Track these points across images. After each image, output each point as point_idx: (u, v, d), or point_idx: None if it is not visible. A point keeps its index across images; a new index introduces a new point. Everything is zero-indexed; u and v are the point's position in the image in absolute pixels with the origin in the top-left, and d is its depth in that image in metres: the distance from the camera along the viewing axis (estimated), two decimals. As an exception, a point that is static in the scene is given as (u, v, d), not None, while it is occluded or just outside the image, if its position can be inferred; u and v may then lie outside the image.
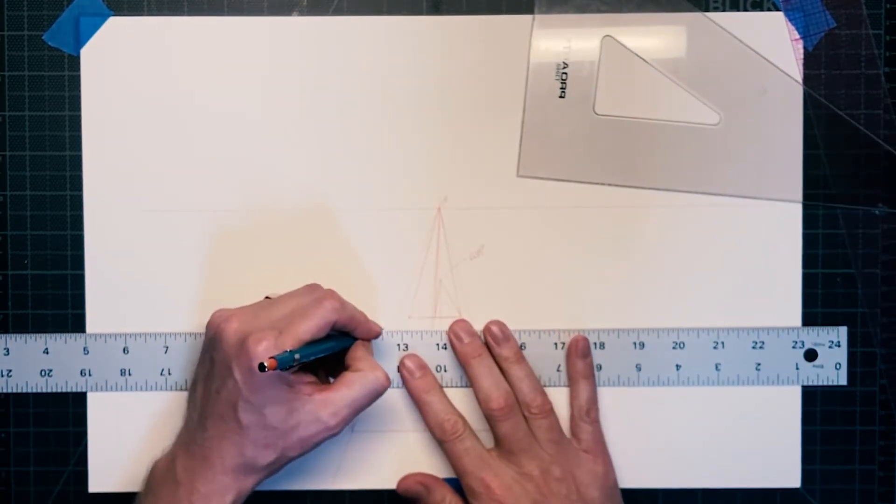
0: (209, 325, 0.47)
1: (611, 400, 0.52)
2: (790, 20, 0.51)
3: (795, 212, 0.52)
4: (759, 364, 0.51)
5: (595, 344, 0.51)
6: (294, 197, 0.51)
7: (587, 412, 0.51)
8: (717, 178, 0.51)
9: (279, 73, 0.51)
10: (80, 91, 0.51)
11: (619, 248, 0.52)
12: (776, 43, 0.51)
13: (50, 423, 0.52)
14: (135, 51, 0.51)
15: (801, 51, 0.51)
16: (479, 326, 0.52)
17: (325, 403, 0.45)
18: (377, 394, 0.47)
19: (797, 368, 0.52)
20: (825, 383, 0.52)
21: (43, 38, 0.51)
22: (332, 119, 0.51)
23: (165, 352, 0.51)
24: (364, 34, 0.51)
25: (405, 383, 0.51)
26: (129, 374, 0.51)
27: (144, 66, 0.51)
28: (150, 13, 0.51)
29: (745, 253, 0.52)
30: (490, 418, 0.50)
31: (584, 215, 0.51)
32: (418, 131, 0.52)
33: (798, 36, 0.51)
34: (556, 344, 0.52)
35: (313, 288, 0.48)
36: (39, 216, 0.52)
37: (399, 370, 0.51)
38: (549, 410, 0.50)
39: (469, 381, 0.51)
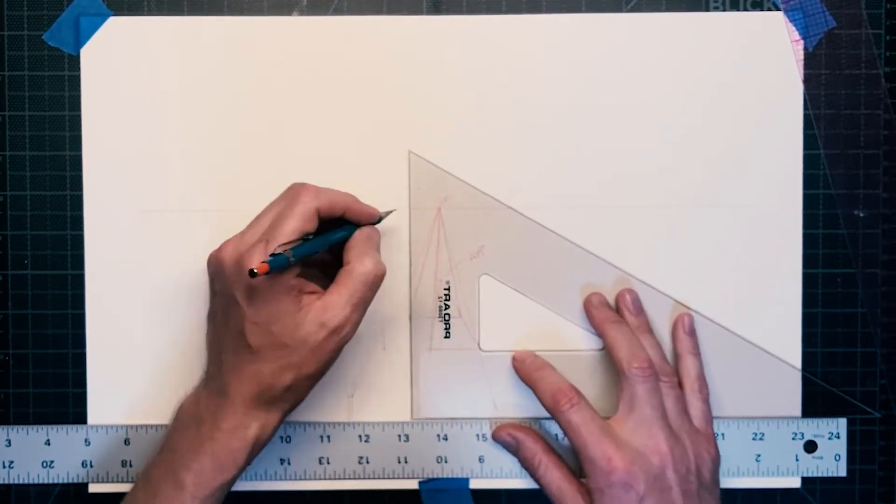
0: (209, 260, 0.47)
1: (615, 398, 0.52)
2: (790, 20, 0.51)
3: (795, 212, 0.52)
4: (758, 455, 0.52)
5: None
6: (294, 197, 0.51)
7: (699, 389, 0.50)
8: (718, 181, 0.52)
9: (279, 73, 0.51)
10: (80, 91, 0.51)
11: (618, 247, 0.52)
12: (776, 43, 0.51)
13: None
14: (135, 51, 0.51)
15: (801, 51, 0.51)
16: (478, 324, 0.52)
17: (324, 308, 0.44)
18: (372, 284, 0.45)
19: (797, 460, 0.52)
20: (825, 474, 0.52)
21: (43, 38, 0.51)
22: (332, 119, 0.51)
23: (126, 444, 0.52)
24: (364, 34, 0.51)
25: (517, 372, 0.51)
26: (130, 466, 0.52)
27: (144, 66, 0.51)
28: (150, 13, 0.51)
29: (745, 253, 0.52)
30: (629, 379, 0.48)
31: (584, 215, 0.51)
32: (418, 131, 0.52)
33: (798, 36, 0.51)
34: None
35: (289, 188, 0.47)
36: (39, 216, 0.52)
37: (512, 362, 0.51)
38: (676, 381, 0.49)
39: (606, 346, 0.50)
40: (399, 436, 0.51)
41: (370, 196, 0.51)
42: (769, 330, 0.52)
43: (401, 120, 0.51)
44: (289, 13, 0.51)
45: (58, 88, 0.51)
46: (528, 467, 0.50)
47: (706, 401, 0.50)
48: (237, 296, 0.44)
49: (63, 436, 0.52)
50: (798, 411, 0.52)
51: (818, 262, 0.52)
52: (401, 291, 0.52)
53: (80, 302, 0.52)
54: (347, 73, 0.51)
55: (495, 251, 0.52)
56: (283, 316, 0.44)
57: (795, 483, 0.52)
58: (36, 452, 0.52)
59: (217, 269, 0.46)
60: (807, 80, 0.51)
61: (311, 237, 0.45)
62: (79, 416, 0.52)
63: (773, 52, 0.51)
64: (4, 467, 0.52)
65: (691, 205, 0.52)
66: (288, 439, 0.51)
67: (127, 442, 0.51)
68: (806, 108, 0.52)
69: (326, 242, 0.46)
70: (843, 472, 0.52)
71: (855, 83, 0.51)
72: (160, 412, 0.51)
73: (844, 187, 0.52)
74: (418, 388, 0.52)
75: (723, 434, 0.51)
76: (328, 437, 0.51)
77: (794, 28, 0.51)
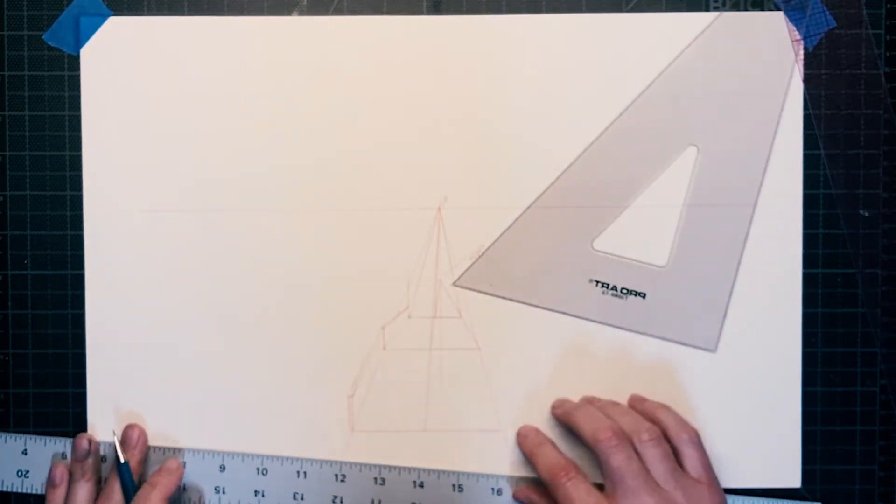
0: None
1: (614, 398, 0.52)
2: (791, 20, 0.51)
3: (795, 212, 0.52)
4: None
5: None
6: (293, 197, 0.51)
7: (685, 432, 0.48)
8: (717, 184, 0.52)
9: (279, 73, 0.51)
10: (80, 91, 0.51)
11: (618, 247, 0.52)
12: (776, 43, 0.51)
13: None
14: (135, 51, 0.51)
15: (802, 51, 0.51)
16: (477, 324, 0.52)
17: None
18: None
19: None
20: None
21: (43, 38, 0.51)
22: (331, 119, 0.51)
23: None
24: (364, 34, 0.51)
25: (519, 446, 0.51)
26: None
27: (144, 66, 0.51)
28: (150, 13, 0.51)
29: (745, 253, 0.52)
30: (600, 454, 0.46)
31: (583, 215, 0.51)
32: (418, 131, 0.52)
33: (798, 36, 0.51)
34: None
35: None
36: (39, 216, 0.52)
37: (517, 437, 0.51)
38: (660, 437, 0.47)
39: (574, 430, 0.49)
40: (414, 482, 0.51)
41: (370, 195, 0.51)
42: (769, 330, 0.52)
43: (401, 119, 0.51)
44: (289, 13, 0.51)
45: (58, 88, 0.51)
46: None
47: (696, 444, 0.48)
48: None
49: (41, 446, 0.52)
50: (798, 477, 0.52)
51: (818, 262, 0.52)
52: (401, 291, 0.51)
53: (80, 302, 0.52)
54: (347, 73, 0.51)
55: (495, 251, 0.52)
56: None
57: (796, 483, 0.52)
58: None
59: None
60: (807, 80, 0.51)
61: None
62: (79, 417, 0.52)
63: (773, 52, 0.51)
64: (20, 476, 0.51)
65: (691, 204, 0.52)
66: (304, 475, 0.51)
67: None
68: (806, 108, 0.52)
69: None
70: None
71: (855, 83, 0.51)
72: (160, 412, 0.51)
73: (844, 187, 0.52)
74: (427, 396, 0.52)
75: None
76: (343, 476, 0.51)
77: (794, 28, 0.51)
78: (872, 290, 0.52)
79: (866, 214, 0.51)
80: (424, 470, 0.51)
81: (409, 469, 0.51)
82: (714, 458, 0.51)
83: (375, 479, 0.51)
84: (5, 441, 0.51)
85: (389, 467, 0.51)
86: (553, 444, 0.50)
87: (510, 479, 0.51)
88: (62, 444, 0.51)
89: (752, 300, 0.52)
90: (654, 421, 0.48)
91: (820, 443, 0.52)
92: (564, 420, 0.50)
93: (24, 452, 0.51)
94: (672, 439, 0.48)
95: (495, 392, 0.52)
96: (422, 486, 0.51)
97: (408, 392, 0.52)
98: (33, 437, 0.51)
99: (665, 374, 0.52)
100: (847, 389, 0.52)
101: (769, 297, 0.52)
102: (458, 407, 0.52)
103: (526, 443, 0.51)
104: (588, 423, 0.48)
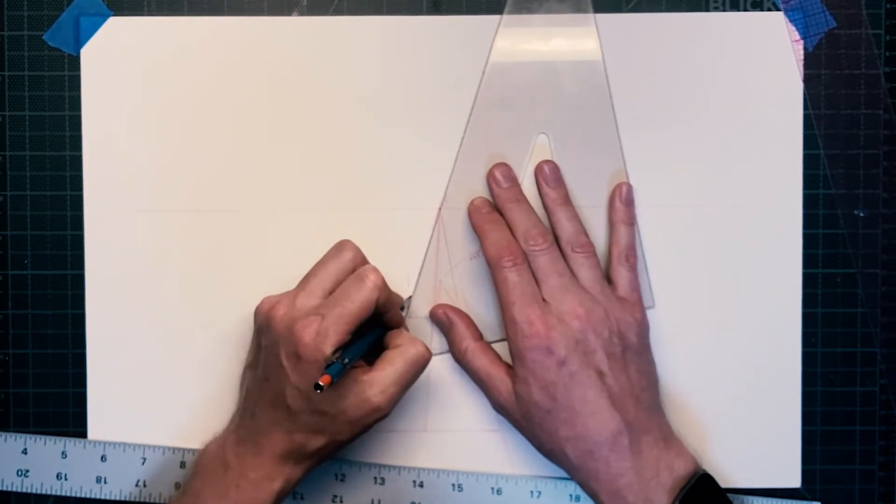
0: (257, 312, 0.48)
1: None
2: (790, 20, 0.51)
3: (795, 212, 0.52)
4: None
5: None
6: (293, 197, 0.51)
7: (626, 257, 0.50)
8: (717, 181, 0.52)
9: (279, 74, 0.51)
10: (80, 91, 0.51)
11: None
12: (776, 43, 0.51)
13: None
14: (135, 51, 0.51)
15: (801, 51, 0.51)
16: (477, 323, 0.52)
17: (371, 384, 0.45)
18: (420, 366, 0.47)
19: None
20: None
21: (43, 38, 0.51)
22: (331, 119, 0.51)
23: (143, 463, 0.51)
24: (364, 34, 0.51)
25: (469, 217, 0.50)
26: (144, 486, 0.51)
27: (144, 66, 0.51)
28: (150, 13, 0.51)
29: (746, 253, 0.52)
30: (529, 254, 0.48)
31: (584, 214, 0.51)
32: (418, 131, 0.51)
33: (798, 36, 0.51)
34: None
35: (350, 256, 0.48)
36: (39, 216, 0.52)
37: (487, 178, 0.51)
38: (592, 252, 0.49)
39: (508, 227, 0.49)
40: (414, 482, 0.51)
41: (370, 195, 0.51)
42: (769, 330, 0.52)
43: (401, 119, 0.51)
44: (289, 13, 0.51)
45: (58, 88, 0.51)
46: (455, 351, 0.50)
47: (633, 269, 0.49)
48: (283, 358, 0.45)
49: (80, 449, 0.51)
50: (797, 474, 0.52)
51: (818, 262, 0.52)
52: (401, 291, 0.51)
53: (80, 302, 0.52)
54: (347, 72, 0.51)
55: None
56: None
57: (796, 483, 0.52)
58: (52, 464, 0.51)
59: (266, 326, 0.46)
60: (807, 80, 0.51)
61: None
62: (79, 417, 0.52)
63: (773, 52, 0.51)
64: (20, 475, 0.51)
65: (691, 204, 0.52)
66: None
67: (144, 461, 0.51)
68: (806, 108, 0.52)
69: (373, 342, 0.47)
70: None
71: (855, 83, 0.51)
72: (160, 412, 0.51)
73: (844, 187, 0.52)
74: (427, 396, 0.52)
75: None
76: (343, 476, 0.51)
77: (794, 28, 0.51)
78: (872, 290, 0.52)
79: (862, 215, 0.51)
80: (424, 469, 0.51)
81: (409, 469, 0.51)
82: (714, 457, 0.51)
83: (375, 478, 0.51)
84: (5, 441, 0.51)
85: (389, 467, 0.51)
86: (505, 225, 0.49)
87: (510, 478, 0.51)
88: (62, 444, 0.51)
89: (753, 300, 0.52)
90: (613, 232, 0.50)
91: (820, 443, 0.52)
92: (499, 205, 0.50)
93: (24, 452, 0.51)
94: (613, 257, 0.50)
95: (495, 392, 0.52)
96: (421, 485, 0.51)
97: (408, 392, 0.52)
98: (33, 436, 0.51)
99: (665, 373, 0.52)
100: (847, 389, 0.52)
101: (769, 297, 0.52)
102: (458, 407, 0.52)
103: (477, 216, 0.50)
104: (521, 225, 0.49)
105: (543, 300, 0.47)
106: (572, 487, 0.51)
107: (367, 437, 0.50)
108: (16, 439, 0.51)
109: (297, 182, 0.51)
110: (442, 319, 0.51)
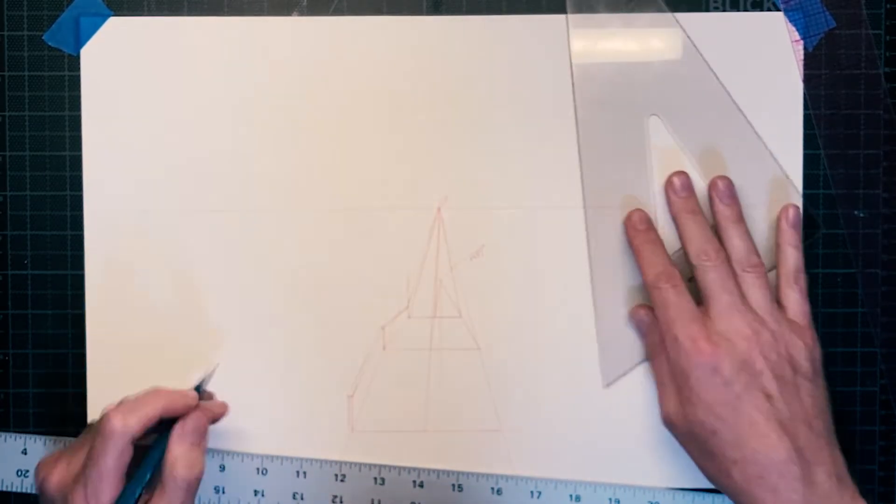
0: (36, 475, 0.45)
1: (614, 400, 0.52)
2: (790, 20, 0.51)
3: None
4: None
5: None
6: (293, 197, 0.51)
7: (795, 279, 0.48)
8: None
9: (279, 73, 0.51)
10: (80, 91, 0.51)
11: (619, 247, 0.52)
12: (776, 43, 0.51)
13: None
14: (135, 51, 0.51)
15: (801, 51, 0.51)
16: (478, 324, 0.52)
17: None
18: (188, 487, 0.43)
19: None
20: None
21: (43, 38, 0.51)
22: (331, 119, 0.51)
23: None
24: (364, 34, 0.51)
25: (626, 231, 0.50)
26: None
27: (144, 67, 0.51)
28: (150, 13, 0.51)
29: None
30: (698, 268, 0.47)
31: (583, 215, 0.51)
32: (418, 131, 0.52)
33: (798, 36, 0.51)
34: None
35: (99, 420, 0.45)
36: (39, 216, 0.52)
37: (664, 186, 0.50)
38: (763, 272, 0.47)
39: (679, 237, 0.49)
40: (414, 482, 0.51)
41: (370, 194, 0.51)
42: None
43: (401, 119, 0.51)
44: (289, 13, 0.51)
45: (58, 88, 0.51)
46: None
47: (803, 293, 0.48)
48: None
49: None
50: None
51: (818, 262, 0.52)
52: (401, 291, 0.51)
53: (80, 302, 0.52)
54: (347, 73, 0.51)
55: (495, 250, 0.52)
56: None
57: (795, 483, 0.52)
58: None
59: (42, 493, 0.44)
60: (807, 80, 0.51)
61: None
62: (79, 417, 0.52)
63: (773, 52, 0.51)
64: (19, 475, 0.51)
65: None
66: (304, 474, 0.51)
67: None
68: (806, 108, 0.52)
69: (147, 472, 0.44)
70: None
71: (855, 83, 0.52)
72: (160, 412, 0.52)
73: (844, 187, 0.52)
74: (427, 396, 0.52)
75: None
76: (343, 476, 0.51)
77: (794, 28, 0.51)
78: (872, 290, 0.52)
79: (861, 215, 0.51)
80: (424, 470, 0.51)
81: (409, 469, 0.51)
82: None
83: (375, 478, 0.51)
84: (5, 440, 0.51)
85: (389, 467, 0.51)
86: (662, 244, 0.49)
87: (510, 478, 0.51)
88: (62, 445, 0.51)
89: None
90: (779, 254, 0.49)
91: (820, 443, 0.52)
92: (673, 215, 0.49)
93: (24, 452, 0.51)
94: (781, 279, 0.48)
95: (495, 392, 0.52)
96: (421, 485, 0.51)
97: (408, 392, 0.52)
98: (33, 436, 0.51)
99: (665, 374, 0.52)
100: (847, 389, 0.52)
101: (769, 297, 0.52)
102: (458, 407, 0.52)
103: (634, 234, 0.49)
104: (696, 238, 0.48)
105: (706, 318, 0.46)
106: (572, 488, 0.51)
107: (365, 437, 0.50)
108: (16, 439, 0.51)
109: (297, 182, 0.51)
110: (643, 320, 0.50)
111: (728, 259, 0.48)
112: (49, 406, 0.52)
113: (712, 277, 0.47)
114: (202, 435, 0.45)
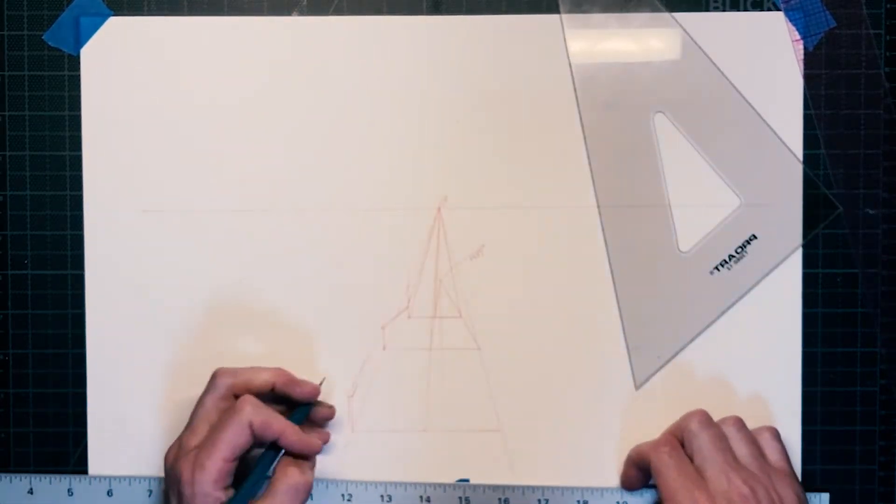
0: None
1: (614, 399, 0.52)
2: (790, 20, 0.51)
3: (796, 212, 0.52)
4: None
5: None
6: (293, 197, 0.51)
7: (765, 429, 0.49)
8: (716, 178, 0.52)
9: (279, 73, 0.51)
10: (80, 91, 0.51)
11: (636, 242, 0.52)
12: (776, 43, 0.51)
13: None
14: (135, 51, 0.51)
15: (802, 51, 0.51)
16: (478, 324, 0.52)
17: None
18: (296, 495, 0.46)
19: None
20: None
21: (43, 38, 0.51)
22: (331, 119, 0.51)
23: (149, 495, 0.51)
24: (364, 34, 0.51)
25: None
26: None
27: (144, 66, 0.51)
28: (150, 13, 0.51)
29: (746, 253, 0.52)
30: (688, 432, 0.48)
31: (584, 215, 0.51)
32: (418, 131, 0.52)
33: (798, 36, 0.51)
34: None
35: (227, 383, 0.48)
36: (39, 216, 0.52)
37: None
38: (744, 425, 0.49)
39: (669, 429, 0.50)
40: (420, 497, 0.51)
41: (370, 195, 0.51)
42: (769, 330, 0.52)
43: (400, 119, 0.51)
44: (289, 13, 0.51)
45: (58, 88, 0.51)
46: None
47: (776, 437, 0.49)
48: (173, 500, 0.46)
49: (86, 485, 0.51)
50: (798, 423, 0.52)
51: (818, 262, 0.52)
52: (400, 291, 0.51)
53: (80, 302, 0.52)
54: (347, 72, 0.51)
55: (495, 250, 0.52)
56: None
57: (795, 483, 0.52)
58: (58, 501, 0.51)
59: (165, 474, 0.47)
60: (807, 80, 0.51)
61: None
62: (78, 417, 0.52)
63: (773, 52, 0.51)
64: None
65: (691, 204, 0.52)
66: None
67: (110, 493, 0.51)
68: (806, 108, 0.52)
69: (257, 480, 0.47)
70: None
71: (855, 83, 0.51)
72: (160, 413, 0.52)
73: (844, 187, 0.52)
74: (427, 396, 0.52)
75: None
76: (350, 495, 0.51)
77: (794, 28, 0.51)
78: (872, 290, 0.52)
79: (871, 213, 0.51)
80: (430, 485, 0.51)
81: (416, 484, 0.51)
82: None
83: (382, 496, 0.51)
84: (10, 482, 0.51)
85: (395, 484, 0.51)
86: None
87: (517, 488, 0.51)
88: (67, 482, 0.51)
89: (753, 300, 0.52)
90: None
91: (820, 443, 0.52)
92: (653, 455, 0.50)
93: (31, 492, 0.51)
94: (755, 432, 0.49)
95: (495, 392, 0.52)
96: (428, 500, 0.51)
97: (408, 392, 0.52)
98: (37, 475, 0.51)
99: (665, 374, 0.52)
100: (847, 389, 0.52)
101: (769, 297, 0.52)
102: (458, 407, 0.52)
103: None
104: (679, 421, 0.49)
105: (703, 480, 0.46)
106: (579, 494, 0.51)
107: (365, 437, 0.50)
108: (21, 479, 0.51)
109: (296, 182, 0.51)
110: (634, 485, 0.51)
111: (711, 419, 0.49)
112: (49, 406, 0.52)
113: (705, 437, 0.47)
114: (311, 459, 0.49)
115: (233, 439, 0.45)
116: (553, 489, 0.51)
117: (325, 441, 0.50)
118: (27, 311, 0.52)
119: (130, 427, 0.52)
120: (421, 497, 0.51)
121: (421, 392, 0.52)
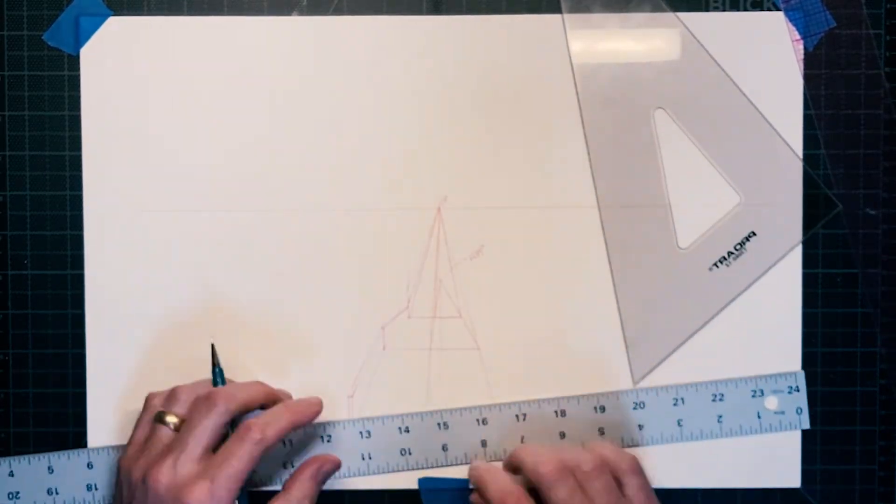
0: (127, 472, 0.45)
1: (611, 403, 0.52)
2: (790, 20, 0.51)
3: (795, 210, 0.52)
4: (720, 416, 0.51)
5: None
6: (293, 197, 0.51)
7: (623, 462, 0.47)
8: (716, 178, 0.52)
9: (279, 73, 0.51)
10: (79, 91, 0.51)
11: (637, 241, 0.52)
12: (776, 43, 0.51)
13: None
14: (134, 51, 0.51)
15: (802, 51, 0.51)
16: (478, 324, 0.52)
17: None
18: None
19: (759, 417, 0.51)
20: (787, 429, 0.51)
21: (43, 37, 0.51)
22: (332, 119, 0.51)
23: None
24: (364, 34, 0.51)
25: (471, 479, 0.50)
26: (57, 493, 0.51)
27: (144, 66, 0.51)
28: (150, 13, 0.51)
29: (746, 252, 0.52)
30: (543, 488, 0.45)
31: (584, 215, 0.51)
32: (418, 131, 0.52)
33: (798, 36, 0.51)
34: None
35: (223, 408, 0.46)
36: (39, 216, 0.52)
37: (469, 472, 0.50)
38: (602, 466, 0.46)
39: (518, 466, 0.47)
40: (399, 428, 0.51)
41: (370, 194, 0.51)
42: (769, 329, 0.52)
43: (400, 119, 0.51)
44: (289, 13, 0.51)
45: (58, 88, 0.51)
46: None
47: (636, 471, 0.47)
48: None
49: (65, 461, 0.51)
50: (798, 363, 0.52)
51: (818, 262, 0.52)
52: (401, 291, 0.51)
53: (80, 302, 0.52)
54: (347, 72, 0.51)
55: (495, 250, 0.52)
56: None
57: (795, 483, 0.52)
58: (40, 480, 0.51)
59: (143, 495, 0.44)
60: (807, 80, 0.51)
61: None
62: (78, 418, 0.52)
63: (773, 52, 0.51)
64: (10, 499, 0.51)
65: (691, 203, 0.52)
66: (290, 443, 0.51)
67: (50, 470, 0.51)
68: (806, 108, 0.52)
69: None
70: (805, 426, 0.51)
71: (855, 83, 0.51)
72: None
73: (844, 187, 0.52)
74: (427, 396, 0.52)
75: (682, 399, 0.51)
76: (329, 437, 0.51)
77: (794, 28, 0.51)
78: (872, 290, 0.52)
79: (872, 213, 0.51)
80: (486, 406, 0.51)
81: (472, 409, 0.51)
82: (714, 457, 0.51)
83: (439, 423, 0.51)
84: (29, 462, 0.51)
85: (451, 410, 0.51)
86: (504, 472, 0.48)
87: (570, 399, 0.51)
88: (46, 460, 0.51)
89: (753, 300, 0.52)
90: (594, 449, 0.47)
91: (820, 443, 0.52)
92: (508, 461, 0.49)
93: (11, 475, 0.51)
94: (613, 469, 0.47)
95: (495, 392, 0.52)
96: (485, 422, 0.51)
97: (408, 392, 0.52)
98: (17, 458, 0.51)
99: (665, 373, 0.52)
100: (847, 389, 0.52)
101: (769, 297, 0.52)
102: (458, 407, 0.52)
103: (476, 471, 0.49)
104: (530, 457, 0.46)
105: None
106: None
107: (366, 437, 0.50)
108: (39, 459, 0.51)
109: (296, 182, 0.51)
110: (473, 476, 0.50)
111: (566, 466, 0.46)
112: (49, 406, 0.52)
113: (560, 494, 0.45)
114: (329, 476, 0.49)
115: (249, 471, 0.45)
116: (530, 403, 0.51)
117: (317, 404, 0.49)
118: (27, 311, 0.52)
119: (130, 427, 0.52)
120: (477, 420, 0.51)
121: (421, 392, 0.52)
